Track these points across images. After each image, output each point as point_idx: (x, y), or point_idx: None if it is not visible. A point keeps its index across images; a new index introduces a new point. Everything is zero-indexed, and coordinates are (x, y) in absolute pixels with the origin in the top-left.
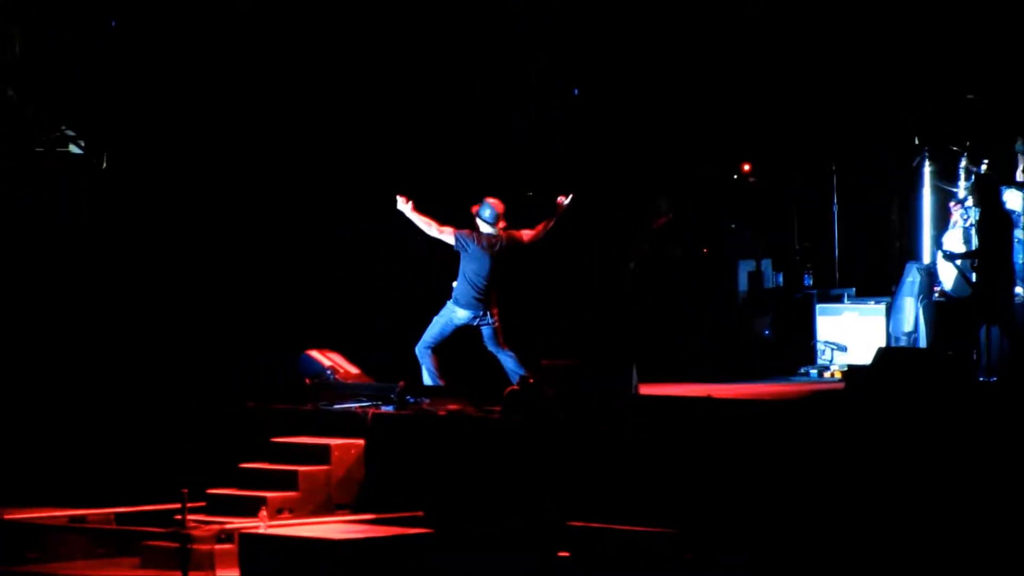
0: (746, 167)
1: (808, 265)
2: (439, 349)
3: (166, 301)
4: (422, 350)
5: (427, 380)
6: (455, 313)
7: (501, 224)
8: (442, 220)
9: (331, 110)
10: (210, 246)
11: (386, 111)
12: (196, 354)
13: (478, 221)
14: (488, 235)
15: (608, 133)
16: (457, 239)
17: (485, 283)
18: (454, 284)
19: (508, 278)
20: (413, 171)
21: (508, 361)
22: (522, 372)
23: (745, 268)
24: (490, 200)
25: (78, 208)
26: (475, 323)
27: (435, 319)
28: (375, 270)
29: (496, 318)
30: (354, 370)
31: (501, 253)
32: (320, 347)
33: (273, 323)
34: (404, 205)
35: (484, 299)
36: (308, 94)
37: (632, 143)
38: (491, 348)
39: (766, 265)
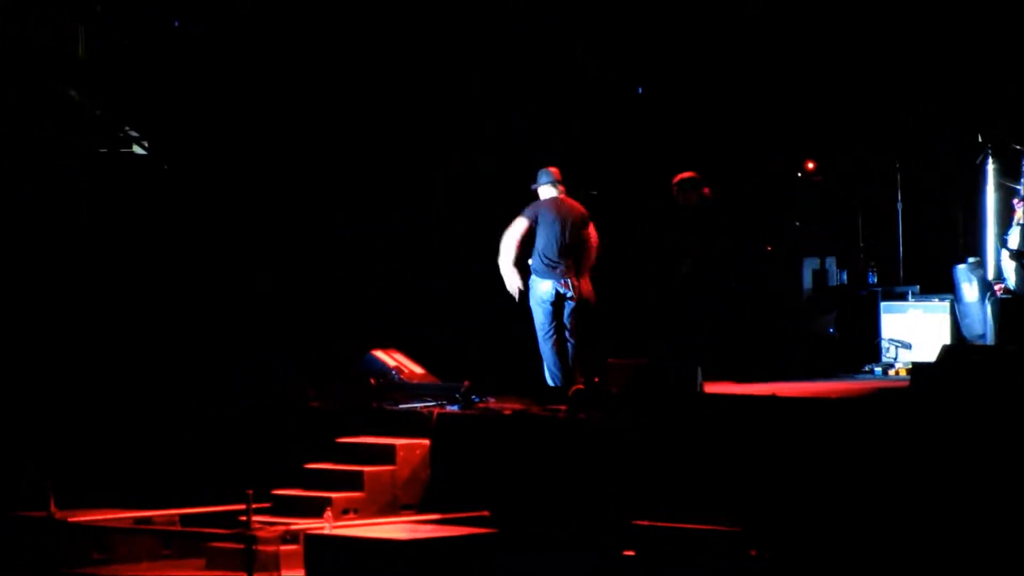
0: (810, 165)
1: (872, 263)
2: (560, 343)
3: (175, 301)
4: (542, 345)
5: (548, 380)
6: (537, 289)
7: (561, 189)
8: (443, 218)
9: (331, 110)
10: (212, 245)
11: (386, 110)
12: (201, 354)
13: (541, 190)
14: (553, 199)
15: (670, 130)
16: (524, 213)
17: (556, 247)
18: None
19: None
20: (413, 171)
21: (571, 346)
22: (565, 368)
23: (810, 266)
24: (547, 168)
25: (78, 208)
26: (565, 293)
27: (533, 309)
28: (375, 270)
29: (581, 294)
30: (419, 370)
31: (570, 217)
32: (384, 347)
33: (273, 323)
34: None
35: (557, 265)
36: (308, 94)
37: (695, 140)
38: (565, 324)
39: (830, 263)
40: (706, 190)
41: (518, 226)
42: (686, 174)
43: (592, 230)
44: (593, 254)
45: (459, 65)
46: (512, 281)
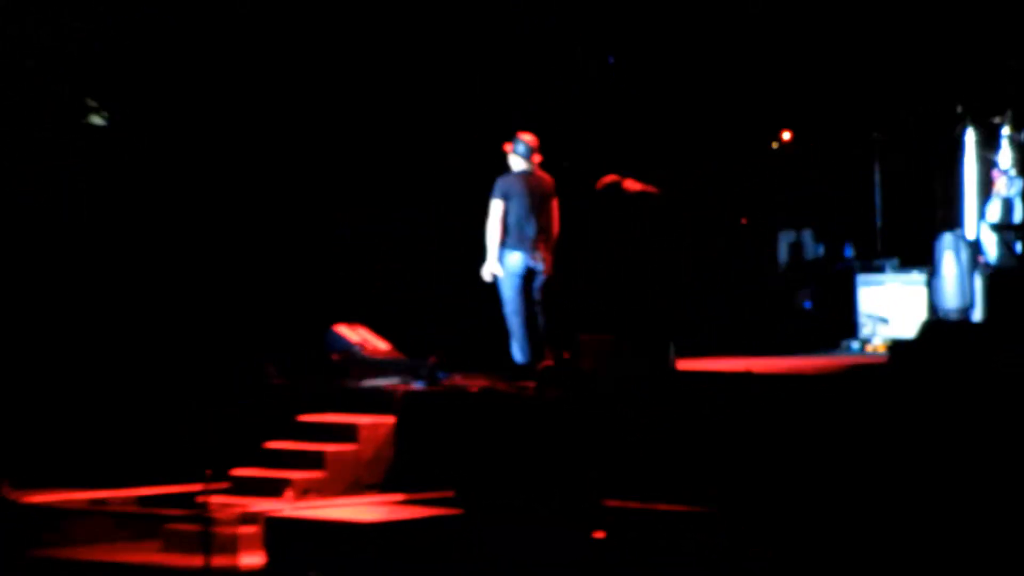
0: (787, 135)
1: (849, 236)
2: (529, 319)
3: (168, 294)
4: (510, 319)
5: (516, 356)
6: (507, 262)
7: (536, 159)
8: (445, 216)
9: (331, 110)
10: (211, 245)
11: (386, 110)
12: (198, 350)
13: (513, 160)
14: (524, 173)
15: (644, 103)
16: (495, 194)
17: (526, 220)
18: None
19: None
20: (413, 171)
21: (540, 320)
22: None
23: (785, 239)
24: (523, 135)
25: (78, 208)
26: (535, 266)
27: (500, 284)
28: (375, 270)
29: (548, 267)
30: (383, 346)
31: (539, 190)
32: (353, 320)
33: (271, 322)
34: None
35: (528, 238)
36: (308, 93)
37: (664, 112)
38: (534, 298)
39: (806, 236)
40: (629, 185)
41: (496, 211)
42: (606, 179)
43: (555, 204)
44: (556, 227)
45: (459, 64)
46: (494, 266)
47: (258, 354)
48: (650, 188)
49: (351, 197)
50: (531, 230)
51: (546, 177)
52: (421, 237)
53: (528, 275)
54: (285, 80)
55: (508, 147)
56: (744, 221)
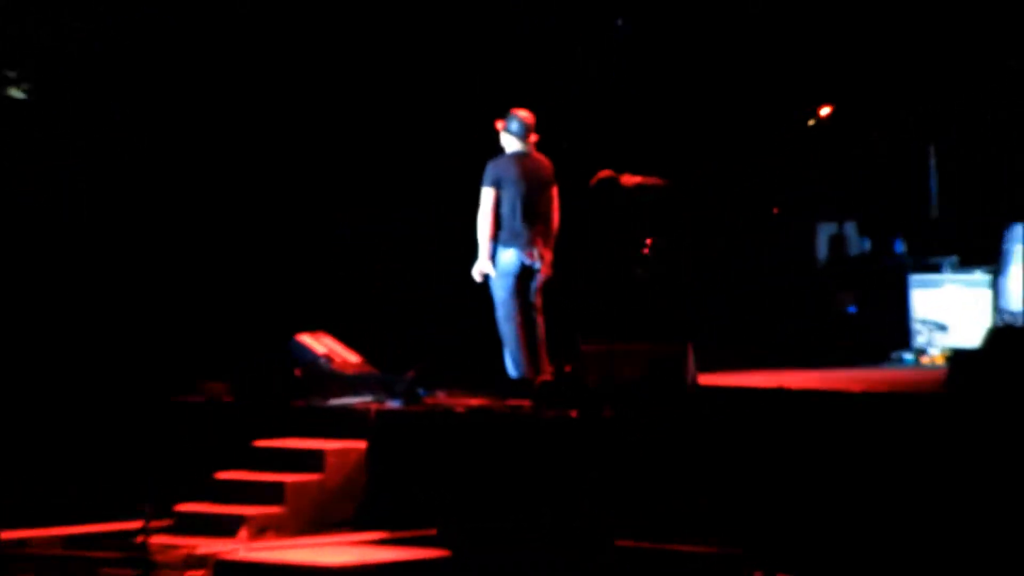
0: (825, 111)
1: (900, 230)
2: (526, 326)
3: (105, 300)
4: (503, 326)
5: (510, 369)
6: (499, 259)
7: (532, 139)
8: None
9: (331, 110)
10: (208, 246)
11: (386, 111)
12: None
13: (505, 139)
14: (518, 155)
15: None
16: (486, 182)
17: (520, 211)
18: None
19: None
20: (413, 172)
21: (539, 328)
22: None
23: (825, 232)
24: (517, 111)
25: (78, 209)
26: (531, 264)
27: (492, 284)
28: (375, 270)
29: (546, 266)
30: (354, 358)
31: (536, 176)
32: (317, 329)
33: (271, 323)
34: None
35: (522, 232)
36: (307, 93)
37: (685, 85)
38: (530, 301)
39: (850, 228)
40: (626, 180)
41: (487, 200)
42: (601, 174)
43: (555, 192)
44: (556, 220)
45: (458, 64)
46: (486, 265)
47: (208, 369)
48: (652, 179)
49: (320, 191)
50: (528, 222)
51: (544, 161)
52: (398, 231)
53: (524, 275)
54: (285, 80)
55: (500, 124)
56: (776, 211)
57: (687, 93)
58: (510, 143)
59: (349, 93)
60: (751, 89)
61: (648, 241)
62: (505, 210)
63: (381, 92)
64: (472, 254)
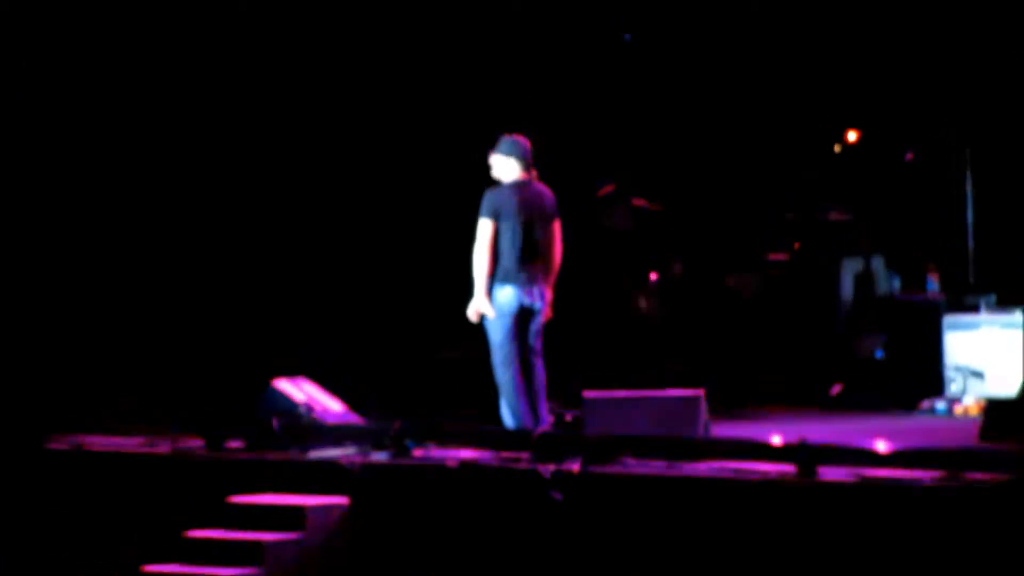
0: (852, 135)
1: (933, 264)
2: (525, 371)
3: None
4: (499, 372)
5: (507, 419)
6: (496, 298)
7: (533, 173)
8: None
9: (330, 109)
10: (178, 284)
11: (387, 112)
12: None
13: (503, 167)
14: (518, 185)
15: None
16: (484, 213)
17: (520, 246)
18: None
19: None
20: (401, 201)
21: (539, 373)
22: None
23: (850, 268)
24: (517, 136)
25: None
26: (531, 304)
27: (487, 325)
28: (360, 310)
29: (547, 306)
30: (336, 406)
31: (538, 208)
32: (295, 374)
33: (246, 367)
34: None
35: (522, 269)
36: (306, 92)
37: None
38: (529, 344)
39: (877, 264)
40: (638, 202)
41: (485, 232)
42: (605, 189)
43: (557, 226)
44: (558, 257)
45: (461, 66)
46: (482, 304)
47: (179, 418)
48: (652, 205)
49: (299, 224)
50: (528, 258)
51: (546, 191)
52: (385, 267)
53: (523, 316)
54: (284, 80)
55: (495, 156)
56: (797, 246)
57: (699, 115)
58: (509, 170)
59: (350, 94)
60: (771, 111)
61: (654, 274)
62: (503, 244)
63: (382, 93)
64: (467, 292)
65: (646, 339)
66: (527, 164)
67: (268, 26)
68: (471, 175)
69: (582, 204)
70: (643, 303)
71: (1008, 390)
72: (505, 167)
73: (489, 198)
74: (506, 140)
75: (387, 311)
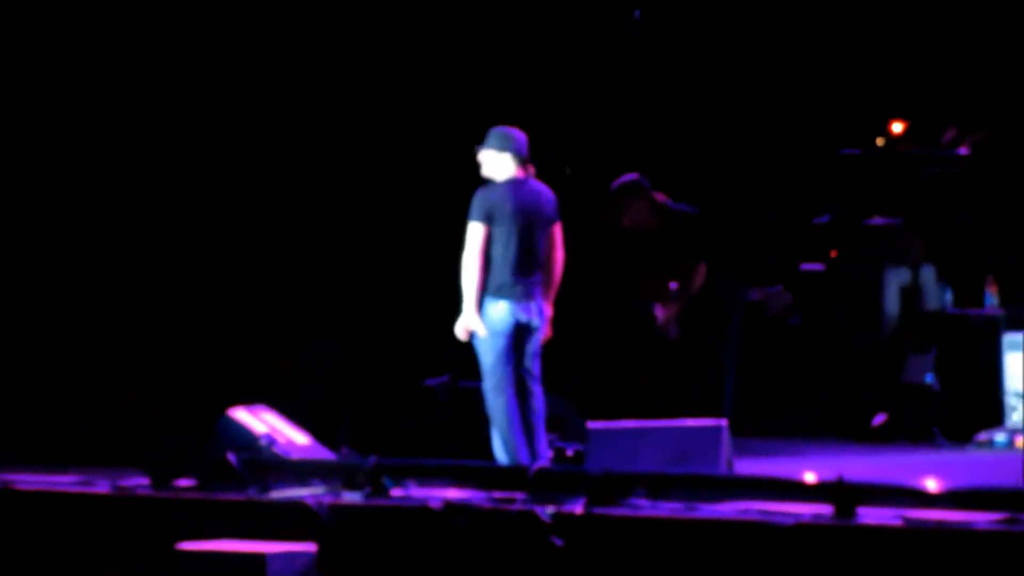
0: (897, 127)
1: (990, 275)
2: (521, 399)
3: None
4: (490, 400)
5: (499, 454)
6: (489, 315)
7: (530, 170)
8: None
9: (330, 110)
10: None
11: (387, 113)
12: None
13: (496, 163)
14: (513, 184)
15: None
16: (475, 215)
17: (516, 254)
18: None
19: None
20: (412, 175)
21: (538, 400)
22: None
23: (896, 279)
24: (510, 129)
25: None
26: (528, 321)
27: (477, 345)
28: (328, 324)
29: (547, 324)
30: (302, 438)
31: (536, 210)
32: (254, 401)
33: (199, 394)
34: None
35: (523, 282)
36: (306, 93)
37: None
38: (526, 367)
39: (927, 275)
40: (660, 196)
41: (476, 238)
42: (632, 178)
43: (558, 231)
44: (560, 266)
45: (461, 66)
46: (472, 321)
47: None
48: (683, 209)
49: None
50: (525, 268)
51: (546, 190)
52: (356, 273)
53: (519, 334)
54: (284, 81)
55: (486, 152)
56: (834, 254)
57: (720, 104)
58: (502, 167)
59: (350, 94)
60: (804, 99)
61: (673, 284)
62: (497, 252)
63: (382, 93)
64: (454, 306)
65: (661, 360)
66: (523, 159)
67: (260, 24)
68: (458, 173)
69: (586, 198)
70: (661, 317)
71: None
72: (497, 164)
73: (480, 199)
74: (497, 133)
75: (361, 330)
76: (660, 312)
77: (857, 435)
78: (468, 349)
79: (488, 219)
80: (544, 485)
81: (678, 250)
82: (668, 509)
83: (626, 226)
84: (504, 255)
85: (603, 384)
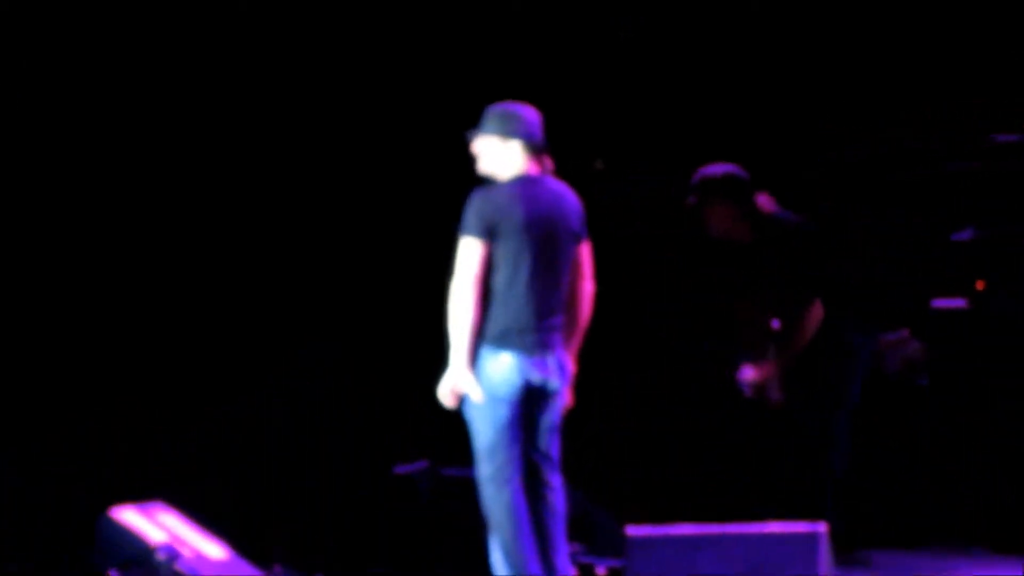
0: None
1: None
2: (532, 494)
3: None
4: (485, 491)
5: (499, 570)
6: (486, 372)
7: (547, 163)
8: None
9: (330, 110)
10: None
11: (386, 114)
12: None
13: (497, 155)
14: (524, 182)
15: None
16: (467, 215)
17: (527, 283)
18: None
19: None
20: (411, 176)
21: (557, 496)
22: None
23: None
24: (517, 106)
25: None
26: (544, 382)
27: (470, 415)
28: (253, 386)
29: (570, 386)
30: (216, 550)
31: (554, 220)
32: (149, 497)
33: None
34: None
35: (530, 322)
36: (306, 92)
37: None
38: (540, 449)
39: None
40: (764, 199)
41: (472, 261)
42: (715, 171)
43: (587, 251)
44: (588, 303)
45: (461, 67)
46: (464, 379)
47: None
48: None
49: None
50: (540, 305)
51: (568, 193)
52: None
53: (530, 401)
54: (282, 81)
55: (483, 139)
56: (981, 285)
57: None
58: (507, 161)
59: (349, 94)
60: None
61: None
62: (500, 281)
63: (381, 94)
64: (439, 358)
65: (735, 435)
66: (536, 148)
67: (260, 24)
68: (448, 171)
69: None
70: (755, 376)
71: None
72: (501, 156)
73: (477, 205)
74: (499, 113)
75: (309, 399)
76: (751, 372)
77: (1017, 546)
78: (457, 420)
79: (489, 234)
80: None
81: (781, 277)
82: None
83: (715, 237)
84: (511, 286)
85: (645, 469)
